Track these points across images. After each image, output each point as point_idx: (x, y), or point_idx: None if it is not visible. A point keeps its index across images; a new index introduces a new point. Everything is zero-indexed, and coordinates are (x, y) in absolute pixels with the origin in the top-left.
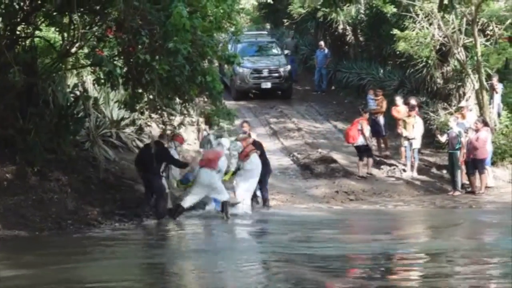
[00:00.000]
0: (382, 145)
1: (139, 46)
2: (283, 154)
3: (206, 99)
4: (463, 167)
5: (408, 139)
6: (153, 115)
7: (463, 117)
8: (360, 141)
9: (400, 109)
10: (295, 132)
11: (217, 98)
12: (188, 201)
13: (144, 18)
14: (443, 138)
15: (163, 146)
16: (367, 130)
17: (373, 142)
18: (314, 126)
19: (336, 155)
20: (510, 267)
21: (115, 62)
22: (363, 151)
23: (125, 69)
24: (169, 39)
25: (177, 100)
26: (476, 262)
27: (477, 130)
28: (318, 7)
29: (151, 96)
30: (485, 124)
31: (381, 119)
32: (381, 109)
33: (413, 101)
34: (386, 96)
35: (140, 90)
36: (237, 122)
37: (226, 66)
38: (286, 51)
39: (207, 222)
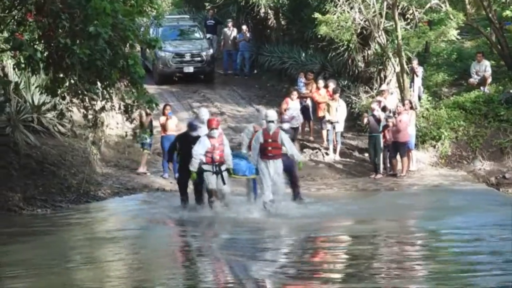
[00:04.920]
0: (306, 129)
1: (60, 30)
2: None
3: (127, 84)
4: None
5: (331, 122)
6: (74, 100)
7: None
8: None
9: (321, 92)
10: (218, 116)
11: (138, 83)
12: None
13: (64, 1)
14: (365, 121)
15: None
16: (284, 107)
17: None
18: (237, 110)
19: None
20: (431, 248)
21: (35, 46)
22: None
23: (45, 54)
24: (90, 23)
25: (99, 84)
26: (398, 244)
27: (398, 113)
28: None
29: (72, 81)
30: (411, 107)
31: (309, 103)
32: (311, 93)
33: (332, 84)
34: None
35: (61, 75)
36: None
37: (148, 50)
38: (208, 35)
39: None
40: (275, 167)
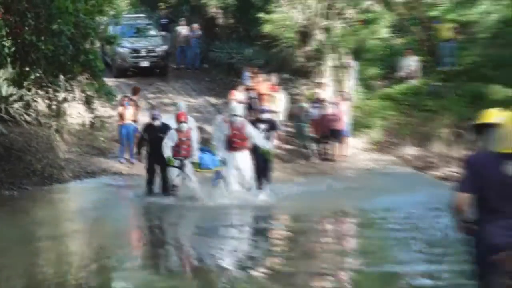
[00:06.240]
0: (252, 118)
1: (26, 28)
2: None
3: (88, 77)
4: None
5: (274, 112)
6: (39, 92)
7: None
8: None
9: (264, 85)
10: (171, 106)
11: (98, 76)
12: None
13: (30, 1)
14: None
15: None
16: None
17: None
18: (188, 101)
19: (208, 127)
20: (364, 226)
21: (3, 42)
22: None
23: (13, 49)
24: (54, 21)
25: (62, 77)
26: (336, 222)
27: (336, 104)
28: None
29: (37, 74)
30: (345, 98)
31: (254, 95)
32: (256, 85)
33: (274, 78)
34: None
35: (27, 69)
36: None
37: (107, 46)
38: (162, 33)
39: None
40: (241, 158)
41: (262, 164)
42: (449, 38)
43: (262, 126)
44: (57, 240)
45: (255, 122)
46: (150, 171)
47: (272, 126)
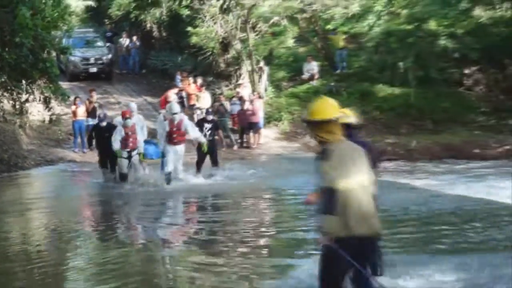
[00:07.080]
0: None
1: None
2: None
3: (46, 81)
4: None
5: (200, 108)
6: (5, 94)
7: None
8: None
9: (192, 86)
10: (116, 105)
11: (54, 80)
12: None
13: None
14: (220, 108)
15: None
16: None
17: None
18: (130, 100)
19: (147, 122)
20: (276, 201)
21: None
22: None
23: None
24: (16, 35)
25: (24, 81)
26: (252, 197)
27: (252, 101)
28: (131, 10)
29: (3, 79)
30: (259, 97)
31: (184, 94)
32: (186, 87)
33: (199, 80)
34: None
35: None
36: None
37: (62, 55)
38: (107, 44)
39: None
40: (179, 150)
41: (201, 154)
42: (342, 47)
43: (208, 125)
44: (23, 216)
45: (201, 121)
46: (103, 165)
47: (215, 125)
